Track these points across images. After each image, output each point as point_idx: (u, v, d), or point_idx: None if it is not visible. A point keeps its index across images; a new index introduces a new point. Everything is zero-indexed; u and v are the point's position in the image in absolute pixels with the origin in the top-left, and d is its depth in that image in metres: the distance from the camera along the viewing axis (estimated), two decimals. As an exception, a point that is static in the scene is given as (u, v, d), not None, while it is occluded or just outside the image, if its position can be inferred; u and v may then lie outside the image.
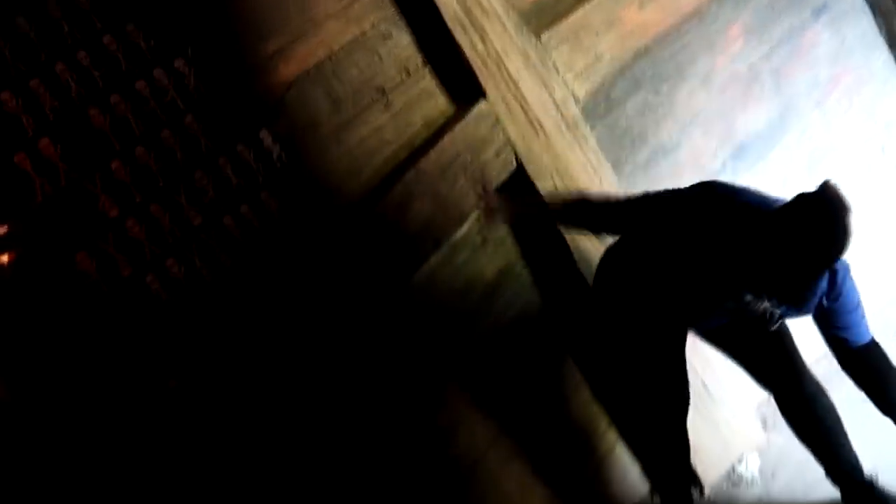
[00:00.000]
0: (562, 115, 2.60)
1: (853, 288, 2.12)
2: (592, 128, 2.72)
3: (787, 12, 3.34)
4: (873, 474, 2.37)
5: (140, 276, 2.04)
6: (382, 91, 2.45)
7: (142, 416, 1.94)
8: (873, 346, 2.18)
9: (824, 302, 2.11)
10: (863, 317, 2.16)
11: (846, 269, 2.10)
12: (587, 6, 2.72)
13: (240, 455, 2.07)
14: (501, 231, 2.63)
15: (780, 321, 2.17)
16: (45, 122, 2.00)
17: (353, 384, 2.30)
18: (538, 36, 2.61)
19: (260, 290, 2.19)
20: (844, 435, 2.35)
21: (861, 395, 2.72)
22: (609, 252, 2.36)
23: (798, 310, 2.14)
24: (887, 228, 3.42)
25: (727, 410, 2.73)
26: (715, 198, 2.08)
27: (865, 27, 3.54)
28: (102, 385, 1.96)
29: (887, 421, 2.29)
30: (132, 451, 1.91)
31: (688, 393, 2.42)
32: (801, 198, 1.94)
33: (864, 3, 3.56)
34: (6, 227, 1.82)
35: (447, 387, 2.50)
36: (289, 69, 2.32)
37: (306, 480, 2.19)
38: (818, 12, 3.41)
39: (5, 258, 1.80)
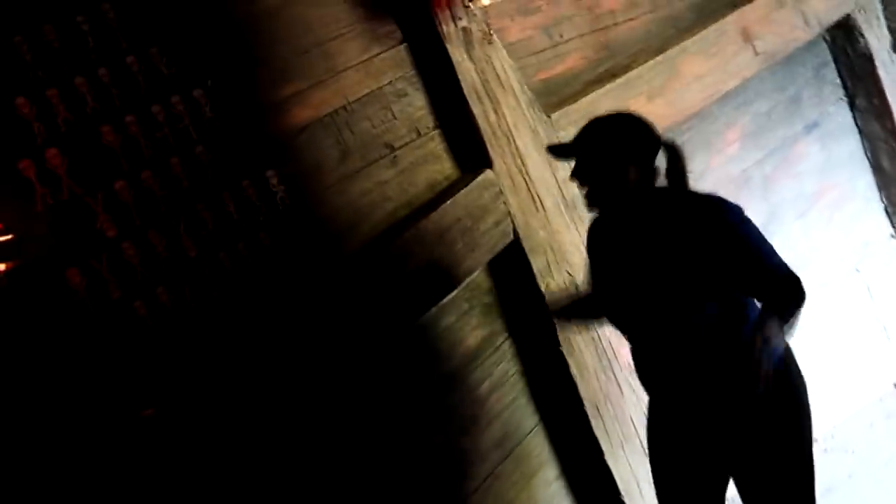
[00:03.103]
0: (562, 193, 2.65)
1: (735, 226, 2.11)
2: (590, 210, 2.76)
3: (782, 123, 3.47)
4: None
5: (128, 299, 2.01)
6: (391, 147, 2.47)
7: (113, 442, 1.89)
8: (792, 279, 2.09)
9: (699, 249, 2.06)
10: (765, 253, 2.10)
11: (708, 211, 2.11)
12: (598, 92, 2.79)
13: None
14: (489, 299, 2.65)
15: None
16: (55, 133, 1.97)
17: (325, 428, 2.27)
18: (549, 115, 2.67)
19: (244, 327, 2.17)
20: None
21: None
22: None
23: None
24: (852, 347, 3.51)
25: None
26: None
27: (853, 147, 3.69)
28: (78, 404, 1.91)
29: None
30: (102, 475, 1.85)
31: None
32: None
33: (853, 124, 3.71)
34: (10, 236, 1.78)
35: (413, 450, 2.48)
36: (303, 113, 2.34)
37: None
38: (810, 127, 3.55)
39: (2, 266, 1.76)
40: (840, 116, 3.69)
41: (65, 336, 1.91)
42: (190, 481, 1.95)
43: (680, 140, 3.07)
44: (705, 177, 3.18)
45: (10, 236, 1.78)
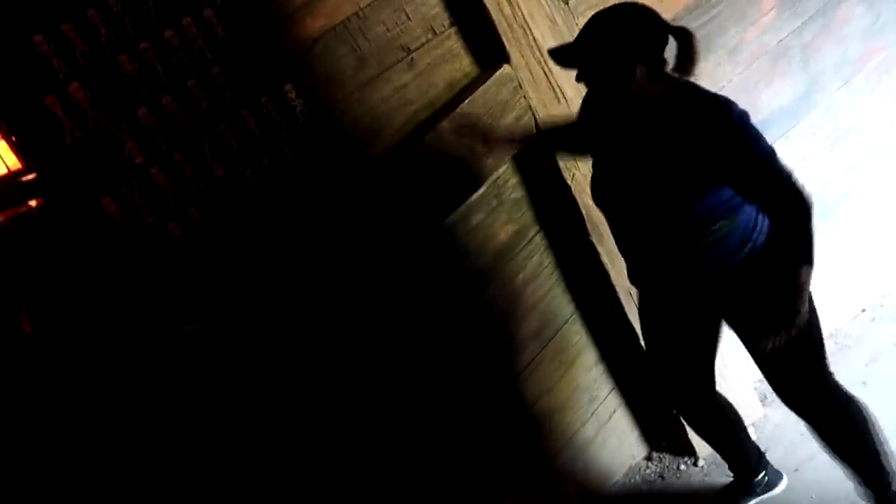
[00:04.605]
0: (585, 83, 2.60)
1: (736, 134, 1.97)
2: (615, 97, 2.72)
3: (823, -15, 3.29)
4: None
5: (162, 222, 2.10)
6: (408, 50, 2.46)
7: (160, 357, 2.02)
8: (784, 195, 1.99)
9: (699, 151, 1.98)
10: (765, 170, 1.98)
11: (710, 112, 1.98)
12: (618, -27, 2.69)
13: (252, 394, 2.16)
14: (517, 194, 2.67)
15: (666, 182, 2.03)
16: (75, 67, 2.03)
17: (359, 334, 2.37)
18: (566, 1, 2.60)
19: (276, 240, 2.25)
20: (864, 448, 2.30)
21: (860, 377, 2.80)
22: None
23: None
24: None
25: (725, 384, 2.78)
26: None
27: (902, 5, 3.49)
28: (123, 325, 2.04)
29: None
30: (151, 388, 1.99)
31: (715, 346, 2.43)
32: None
33: (903, -21, 3.50)
34: (35, 174, 1.87)
35: (453, 345, 2.57)
36: (316, 24, 2.33)
37: (319, 424, 2.28)
38: (855, -13, 3.36)
39: (34, 202, 1.86)
40: (888, -28, 3.48)
41: (106, 261, 2.02)
42: (233, 388, 2.08)
43: (709, 15, 2.99)
44: (739, 51, 3.07)
45: (34, 174, 1.87)
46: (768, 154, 1.97)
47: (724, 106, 1.99)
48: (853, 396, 2.27)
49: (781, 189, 1.97)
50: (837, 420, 2.26)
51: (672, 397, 2.47)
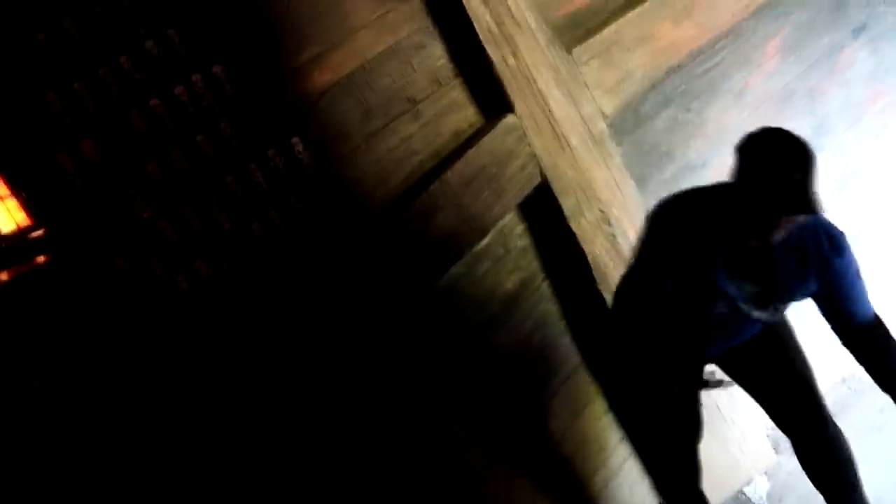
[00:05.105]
0: (589, 130, 2.63)
1: (847, 259, 2.09)
2: (619, 143, 2.74)
3: (826, 30, 3.32)
4: None
5: (170, 275, 2.12)
6: (413, 101, 2.49)
7: (165, 407, 2.03)
8: (876, 322, 2.13)
9: (814, 274, 2.09)
10: (862, 290, 2.12)
11: (828, 239, 2.07)
12: (620, 21, 2.73)
13: (255, 450, 2.16)
14: (523, 241, 2.68)
15: (775, 303, 2.17)
16: (87, 124, 2.07)
17: (369, 387, 2.37)
18: (569, 51, 2.64)
19: (284, 293, 2.26)
20: (857, 482, 2.39)
21: (874, 423, 2.76)
22: (623, 282, 2.41)
23: (779, 285, 2.12)
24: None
25: (738, 432, 2.76)
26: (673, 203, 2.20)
27: (906, 47, 3.51)
28: (129, 378, 2.05)
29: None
30: (155, 441, 1.99)
31: (700, 424, 2.47)
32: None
33: (906, 22, 3.52)
34: (42, 231, 1.90)
35: (461, 395, 2.56)
36: (322, 77, 2.37)
37: (326, 476, 2.27)
38: (858, 31, 3.39)
39: (42, 259, 1.88)
40: (892, 15, 3.49)
41: (113, 313, 2.04)
42: (239, 443, 2.08)
43: (712, 61, 3.02)
44: (745, 95, 3.10)
45: (43, 231, 1.90)
46: (860, 286, 2.10)
47: (839, 239, 2.09)
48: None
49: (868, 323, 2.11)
50: (835, 447, 2.34)
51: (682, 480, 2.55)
